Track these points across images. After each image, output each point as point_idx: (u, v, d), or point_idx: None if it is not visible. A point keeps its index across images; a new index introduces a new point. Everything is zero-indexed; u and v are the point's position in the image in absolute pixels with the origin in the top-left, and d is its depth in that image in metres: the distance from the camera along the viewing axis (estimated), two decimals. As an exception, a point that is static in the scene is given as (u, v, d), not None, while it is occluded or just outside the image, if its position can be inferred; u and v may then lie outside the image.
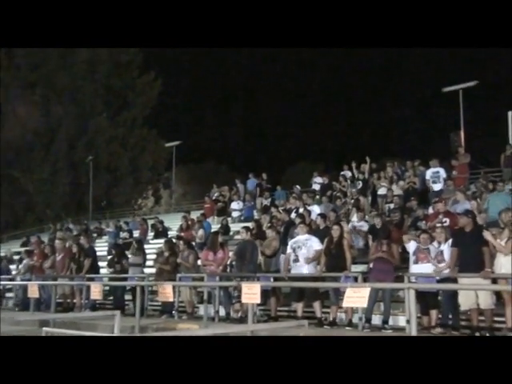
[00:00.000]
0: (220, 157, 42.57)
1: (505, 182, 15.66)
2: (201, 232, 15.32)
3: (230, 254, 11.54)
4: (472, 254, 7.65)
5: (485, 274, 7.37)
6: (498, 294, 7.73)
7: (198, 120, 47.14)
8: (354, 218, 12.70)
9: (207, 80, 45.34)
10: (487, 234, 7.57)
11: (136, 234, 17.93)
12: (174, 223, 20.38)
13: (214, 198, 21.16)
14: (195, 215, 18.32)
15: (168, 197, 36.60)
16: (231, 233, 16.83)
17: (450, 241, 8.37)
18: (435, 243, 8.53)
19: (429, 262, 8.34)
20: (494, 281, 7.51)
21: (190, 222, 16.59)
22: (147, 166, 35.00)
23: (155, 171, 35.83)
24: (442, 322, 8.13)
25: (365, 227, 12.22)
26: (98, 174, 32.68)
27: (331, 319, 9.22)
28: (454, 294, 8.03)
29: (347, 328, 8.82)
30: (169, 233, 18.33)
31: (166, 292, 8.55)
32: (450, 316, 8.20)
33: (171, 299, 8.92)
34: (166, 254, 11.73)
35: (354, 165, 17.58)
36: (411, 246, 8.80)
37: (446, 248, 8.24)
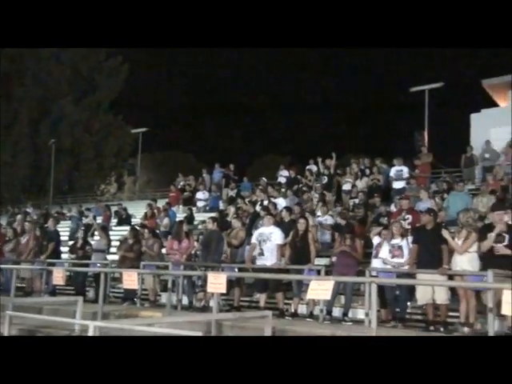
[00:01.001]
0: (187, 146, 42.37)
1: (465, 182, 16.26)
2: (166, 221, 15.30)
3: (195, 243, 11.59)
4: (431, 251, 7.91)
5: (442, 270, 7.65)
6: (453, 290, 8.04)
7: (165, 108, 46.72)
8: (319, 212, 12.90)
9: (176, 67, 44.90)
10: (446, 233, 7.84)
11: (99, 220, 17.71)
12: (137, 211, 20.23)
13: (179, 187, 21.13)
14: (160, 203, 18.25)
15: (131, 184, 36.16)
16: (196, 222, 16.84)
17: (409, 237, 8.64)
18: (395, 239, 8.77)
19: (402, 257, 8.59)
20: (451, 277, 7.81)
21: (155, 211, 16.52)
22: (112, 151, 34.45)
23: (120, 157, 35.30)
24: (399, 315, 8.39)
25: (329, 222, 12.46)
26: (61, 158, 32.00)
27: (293, 311, 9.38)
28: (410, 290, 8.32)
29: (308, 319, 9.00)
30: (132, 220, 18.19)
31: (131, 279, 8.53)
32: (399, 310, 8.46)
33: (136, 287, 8.90)
34: (130, 241, 11.65)
35: (319, 160, 17.78)
36: (375, 241, 9.07)
37: (404, 244, 8.49)
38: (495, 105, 20.01)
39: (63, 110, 33.43)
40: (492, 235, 7.16)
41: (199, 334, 3.59)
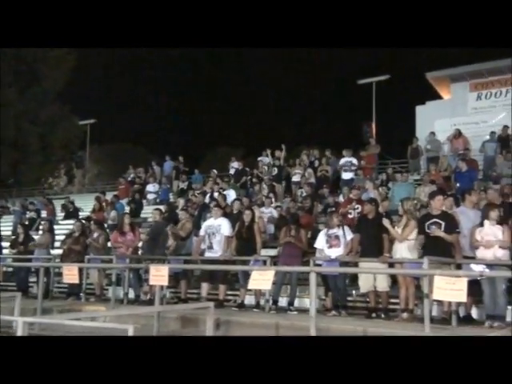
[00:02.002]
0: (137, 138, 41.65)
1: (410, 172, 16.70)
2: (113, 213, 15.05)
3: (142, 236, 11.43)
4: (372, 240, 8.08)
5: (383, 259, 7.83)
6: (394, 278, 8.24)
7: (114, 99, 45.72)
8: (268, 203, 12.95)
9: (125, 58, 43.93)
10: (386, 222, 8.01)
11: (44, 214, 17.25)
12: (86, 204, 19.79)
13: (129, 179, 20.79)
14: (109, 196, 17.92)
15: (81, 177, 35.27)
16: (146, 215, 16.62)
17: (346, 227, 8.78)
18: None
19: (339, 247, 8.70)
20: (391, 265, 8.00)
21: (103, 203, 16.22)
22: (59, 143, 33.45)
23: (68, 149, 34.31)
24: (340, 303, 8.54)
25: (274, 214, 12.52)
26: (4, 151, 30.87)
27: (240, 301, 9.41)
28: (353, 278, 8.49)
29: (254, 310, 9.04)
30: (80, 213, 17.80)
31: (72, 273, 8.33)
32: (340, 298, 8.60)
33: (77, 281, 8.71)
34: (77, 234, 11.45)
35: (269, 151, 17.85)
36: (321, 235, 9.13)
37: (341, 233, 8.63)
38: (439, 97, 20.61)
39: (6, 100, 32.17)
40: (428, 223, 7.37)
41: (129, 327, 3.53)
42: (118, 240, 10.62)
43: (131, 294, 10.31)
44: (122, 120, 44.61)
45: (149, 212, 16.88)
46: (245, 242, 9.45)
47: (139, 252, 11.13)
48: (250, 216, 9.60)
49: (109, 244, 11.54)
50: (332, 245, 8.61)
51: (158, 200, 18.66)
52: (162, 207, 13.25)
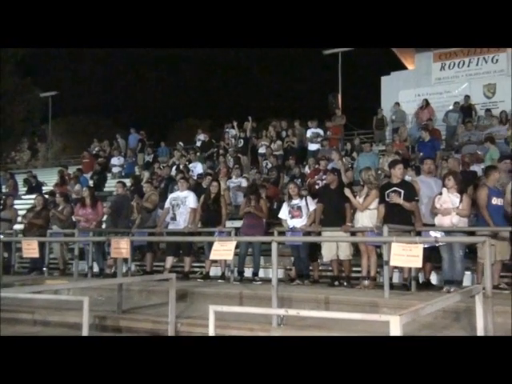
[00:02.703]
0: (102, 110, 40.75)
1: (375, 143, 16.87)
2: (77, 187, 14.76)
3: (105, 209, 11.29)
4: (335, 210, 8.17)
5: (345, 228, 7.93)
6: (356, 247, 8.38)
7: (76, 70, 44.43)
8: (233, 175, 12.92)
9: (87, 27, 42.42)
10: (348, 192, 8.09)
11: (5, 189, 16.85)
12: (50, 178, 19.38)
13: (94, 152, 20.43)
14: (75, 170, 17.61)
15: (45, 151, 34.47)
16: (111, 189, 16.39)
17: (308, 197, 8.84)
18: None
19: (301, 217, 8.76)
20: (354, 234, 8.12)
21: (66, 177, 15.93)
22: (20, 116, 32.50)
23: (29, 123, 33.38)
24: (303, 272, 8.65)
25: (244, 184, 12.53)
26: (-37, 124, 29.92)
27: (205, 273, 9.45)
28: (310, 247, 8.58)
29: (220, 281, 9.09)
30: (43, 188, 17.44)
31: (32, 248, 8.19)
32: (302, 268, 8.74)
33: (37, 255, 8.56)
34: (38, 208, 11.24)
35: (235, 123, 17.74)
36: (284, 206, 9.17)
37: (303, 204, 8.69)
38: (404, 67, 20.71)
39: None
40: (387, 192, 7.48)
41: (85, 298, 3.50)
42: (79, 213, 10.45)
43: (96, 268, 10.24)
44: (85, 92, 43.51)
45: (113, 185, 16.68)
46: (211, 213, 9.43)
47: (103, 226, 11.02)
48: (216, 188, 9.58)
49: (73, 218, 11.37)
50: (294, 215, 8.65)
51: (123, 173, 18.41)
52: (126, 180, 13.10)
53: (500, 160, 9.12)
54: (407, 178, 8.69)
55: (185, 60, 47.56)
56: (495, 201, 7.16)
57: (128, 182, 13.42)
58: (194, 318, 6.23)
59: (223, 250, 6.14)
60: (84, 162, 19.38)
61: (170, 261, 9.40)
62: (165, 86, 47.02)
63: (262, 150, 16.14)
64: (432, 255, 7.38)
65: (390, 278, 7.05)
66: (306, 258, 8.56)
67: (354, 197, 8.09)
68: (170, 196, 10.02)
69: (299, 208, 8.63)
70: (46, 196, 12.65)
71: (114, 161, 18.97)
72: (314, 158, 13.64)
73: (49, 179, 19.16)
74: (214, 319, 3.43)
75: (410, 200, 7.35)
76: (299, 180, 12.52)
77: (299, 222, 8.56)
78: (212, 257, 6.76)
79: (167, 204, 9.80)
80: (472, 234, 7.05)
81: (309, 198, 8.79)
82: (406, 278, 7.44)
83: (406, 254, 5.12)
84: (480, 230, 6.97)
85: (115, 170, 18.71)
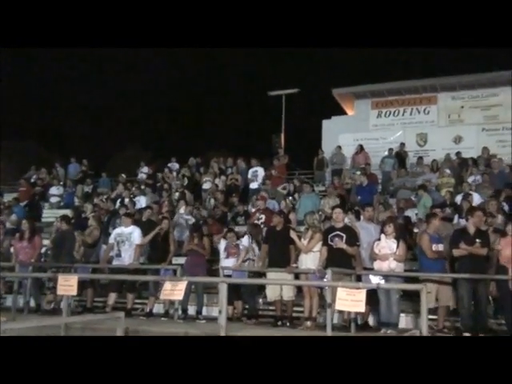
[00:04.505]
0: (39, 136, 39.64)
1: (316, 183, 17.43)
2: (13, 217, 14.31)
3: (45, 242, 11.05)
4: (280, 251, 8.44)
5: (289, 269, 8.21)
6: (299, 287, 8.65)
7: (13, 94, 43.18)
8: (182, 210, 12.94)
9: (28, 55, 41.53)
10: (293, 234, 8.41)
11: None
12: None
13: (32, 181, 19.82)
14: (8, 198, 17.02)
15: (-24, 175, 32.97)
16: (50, 219, 15.97)
17: (246, 236, 9.27)
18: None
19: (238, 255, 9.08)
20: (297, 275, 8.41)
21: (2, 206, 15.38)
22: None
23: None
24: (249, 312, 8.83)
25: (191, 221, 12.57)
26: None
27: (148, 310, 9.41)
28: (260, 287, 8.84)
29: (163, 319, 9.08)
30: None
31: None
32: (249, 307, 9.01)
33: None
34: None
35: (173, 159, 17.89)
36: (222, 244, 9.44)
37: (245, 242, 9.14)
38: (344, 113, 21.69)
39: None
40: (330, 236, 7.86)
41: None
42: (17, 246, 10.16)
43: (32, 303, 9.94)
44: (22, 117, 42.26)
45: (51, 215, 16.26)
46: (158, 250, 9.51)
47: (42, 259, 10.75)
48: (167, 225, 9.69)
49: (11, 250, 11.02)
50: (230, 253, 8.96)
51: (62, 203, 17.98)
52: (67, 213, 12.87)
53: (431, 209, 9.76)
54: (346, 220, 9.11)
55: (126, 89, 47.39)
56: (435, 247, 7.65)
57: (68, 213, 13.20)
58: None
59: (174, 289, 6.24)
60: (20, 190, 18.76)
61: (113, 297, 9.31)
62: (105, 114, 46.48)
63: (206, 186, 16.29)
64: (370, 298, 7.75)
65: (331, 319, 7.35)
66: (252, 296, 8.77)
67: (299, 239, 8.40)
68: (115, 232, 9.94)
69: (237, 246, 8.94)
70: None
71: (53, 190, 18.47)
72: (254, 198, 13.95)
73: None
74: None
75: (351, 245, 7.75)
76: (243, 217, 12.80)
77: (233, 262, 8.99)
78: (162, 297, 6.82)
79: (111, 240, 9.74)
80: (414, 278, 7.51)
81: (245, 237, 9.12)
82: (345, 319, 7.77)
83: (349, 299, 5.44)
84: (421, 276, 7.46)
85: (53, 199, 18.22)
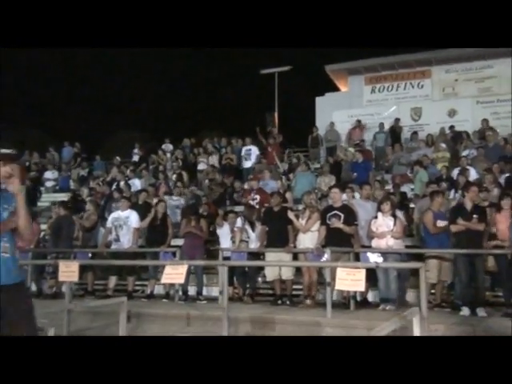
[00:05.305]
0: (31, 120, 39.30)
1: (311, 161, 17.43)
2: (10, 203, 14.29)
3: (42, 226, 11.07)
4: (278, 231, 8.49)
5: (288, 249, 8.29)
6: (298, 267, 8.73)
7: (5, 78, 42.66)
8: (178, 192, 12.92)
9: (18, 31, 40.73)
10: (291, 214, 8.47)
11: None
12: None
13: (26, 165, 19.70)
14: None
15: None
16: (45, 204, 15.94)
17: (239, 217, 9.43)
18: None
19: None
20: (296, 255, 8.48)
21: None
22: None
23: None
24: (249, 291, 8.94)
25: (179, 202, 12.55)
26: None
27: (149, 292, 9.49)
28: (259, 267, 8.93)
29: (164, 300, 9.17)
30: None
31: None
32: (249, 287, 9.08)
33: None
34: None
35: (167, 140, 17.82)
36: (225, 228, 9.48)
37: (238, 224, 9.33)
38: (337, 89, 21.55)
39: None
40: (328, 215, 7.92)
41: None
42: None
43: (33, 288, 10.00)
44: (12, 101, 41.81)
45: (46, 200, 16.21)
46: (157, 233, 9.55)
47: (40, 244, 10.78)
48: (163, 207, 9.71)
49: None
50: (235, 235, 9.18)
51: (57, 187, 17.94)
52: (64, 198, 12.86)
53: (428, 184, 9.82)
54: (343, 197, 9.12)
55: (119, 71, 46.89)
56: (440, 223, 7.71)
57: (64, 197, 13.19)
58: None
59: (175, 273, 6.29)
60: (15, 175, 18.63)
61: (113, 280, 9.39)
62: (97, 96, 46.04)
63: (201, 167, 16.27)
64: (369, 275, 7.84)
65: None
66: (253, 276, 8.88)
67: (297, 218, 8.45)
68: (111, 216, 9.95)
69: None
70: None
71: (48, 175, 18.40)
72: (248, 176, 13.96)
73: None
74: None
75: (349, 224, 7.81)
76: (240, 195, 12.80)
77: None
78: (164, 280, 6.86)
79: (109, 224, 9.78)
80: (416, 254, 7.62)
81: (238, 219, 9.20)
82: (345, 296, 7.87)
83: (349, 279, 5.51)
84: (419, 252, 7.56)
85: (49, 184, 18.15)
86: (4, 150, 3.35)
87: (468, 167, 11.48)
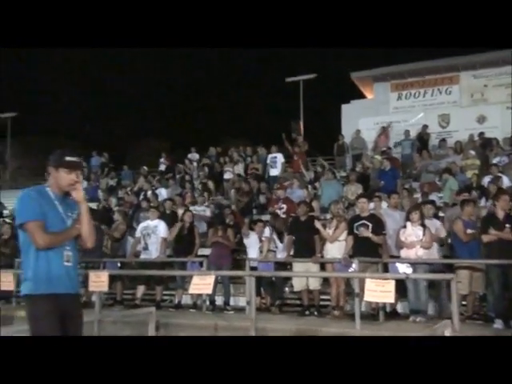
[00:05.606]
0: (60, 131, 40.07)
1: (337, 169, 17.33)
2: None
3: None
4: (305, 241, 8.46)
5: (315, 259, 8.24)
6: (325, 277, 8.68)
7: (36, 91, 43.60)
8: (202, 201, 12.98)
9: (47, 50, 41.78)
10: (318, 224, 8.43)
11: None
12: (9, 201, 18.91)
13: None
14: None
15: (2, 172, 33.54)
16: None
17: (267, 227, 9.39)
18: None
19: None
20: (323, 265, 8.43)
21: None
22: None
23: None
24: (277, 302, 8.90)
25: (207, 213, 12.61)
26: None
27: (177, 302, 9.54)
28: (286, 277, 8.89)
29: (191, 310, 9.20)
30: (4, 212, 17.05)
31: (8, 280, 8.09)
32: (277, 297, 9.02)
33: (13, 288, 8.46)
34: (6, 236, 11.04)
35: (193, 150, 17.94)
36: (252, 237, 9.48)
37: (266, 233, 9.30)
38: (363, 96, 21.45)
39: None
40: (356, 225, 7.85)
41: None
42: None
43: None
44: (44, 113, 42.72)
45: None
46: (184, 243, 9.61)
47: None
48: (191, 217, 9.77)
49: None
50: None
51: (86, 197, 18.14)
52: (93, 207, 13.04)
53: (458, 193, 9.65)
54: (371, 206, 9.02)
55: (146, 82, 47.52)
56: (470, 232, 7.57)
57: (94, 207, 13.34)
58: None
59: (202, 283, 6.31)
60: (46, 185, 18.98)
61: (141, 290, 9.47)
62: (125, 105, 46.71)
63: (227, 176, 16.32)
64: (398, 286, 7.73)
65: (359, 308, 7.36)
66: (281, 286, 8.85)
67: (324, 228, 8.41)
68: (141, 225, 10.07)
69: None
70: (10, 221, 12.42)
71: (77, 185, 18.66)
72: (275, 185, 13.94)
73: (7, 201, 18.70)
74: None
75: (378, 233, 7.73)
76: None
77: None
78: (191, 291, 6.91)
79: (138, 233, 9.88)
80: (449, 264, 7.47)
81: (266, 229, 9.17)
82: (373, 307, 7.77)
83: (379, 290, 5.45)
84: (449, 263, 7.42)
85: (78, 194, 18.40)
86: (69, 158, 3.39)
87: (500, 174, 11.25)
